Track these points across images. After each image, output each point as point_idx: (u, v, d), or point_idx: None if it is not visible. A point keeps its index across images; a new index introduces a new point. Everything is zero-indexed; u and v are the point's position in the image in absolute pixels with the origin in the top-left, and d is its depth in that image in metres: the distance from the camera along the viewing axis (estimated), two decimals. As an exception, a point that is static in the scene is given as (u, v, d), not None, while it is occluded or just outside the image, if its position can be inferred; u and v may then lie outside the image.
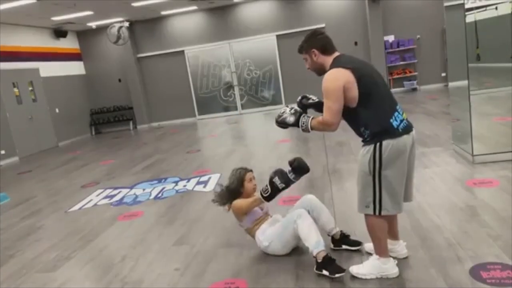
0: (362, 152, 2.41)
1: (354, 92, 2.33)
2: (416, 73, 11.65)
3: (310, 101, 2.73)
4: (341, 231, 2.94)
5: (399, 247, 2.69)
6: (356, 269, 2.56)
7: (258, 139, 8.34)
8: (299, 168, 2.73)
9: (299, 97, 2.78)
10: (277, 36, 12.04)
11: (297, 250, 2.98)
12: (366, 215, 2.48)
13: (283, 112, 2.64)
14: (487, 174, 4.07)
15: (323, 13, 11.69)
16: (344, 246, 2.92)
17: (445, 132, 5.33)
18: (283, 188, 2.74)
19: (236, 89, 12.64)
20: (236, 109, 12.77)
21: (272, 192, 2.75)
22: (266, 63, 12.32)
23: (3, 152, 9.24)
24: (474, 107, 4.38)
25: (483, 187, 3.78)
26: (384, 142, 2.32)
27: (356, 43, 11.68)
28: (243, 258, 3.06)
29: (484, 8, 4.58)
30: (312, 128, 2.52)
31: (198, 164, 6.56)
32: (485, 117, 4.96)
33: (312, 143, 6.85)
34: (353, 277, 2.55)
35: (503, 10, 4.65)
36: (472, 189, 3.78)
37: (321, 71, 2.53)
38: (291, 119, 2.59)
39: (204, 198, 4.71)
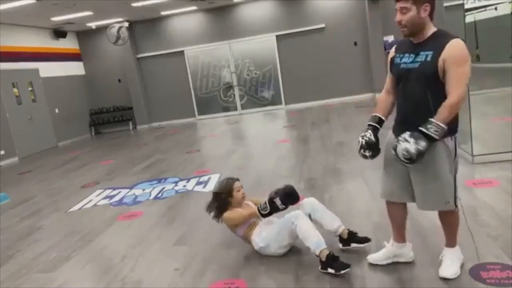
0: (442, 147, 2.21)
1: None
2: (416, 73, 11.62)
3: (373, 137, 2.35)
4: (347, 229, 2.91)
5: (407, 250, 2.61)
6: (449, 272, 2.40)
7: (258, 139, 8.34)
8: (288, 195, 2.86)
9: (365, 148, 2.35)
10: (277, 36, 12.02)
11: (297, 250, 2.98)
12: (445, 214, 2.39)
13: (406, 150, 2.11)
14: (486, 174, 4.07)
15: (323, 13, 11.68)
16: (353, 245, 2.87)
17: (445, 132, 5.33)
18: (283, 209, 2.82)
19: (236, 89, 12.64)
20: (236, 109, 12.77)
21: (271, 211, 2.83)
22: (266, 63, 12.32)
23: (3, 152, 9.24)
24: (474, 107, 4.39)
25: (483, 187, 3.78)
26: (456, 135, 2.27)
27: (355, 43, 11.68)
28: (243, 258, 3.06)
29: (483, 8, 4.58)
30: (445, 124, 2.10)
31: (198, 164, 6.56)
32: (485, 117, 4.96)
33: (312, 143, 6.86)
34: (355, 277, 2.54)
35: (503, 10, 4.65)
36: (472, 189, 3.78)
37: (416, 31, 2.18)
38: (423, 144, 2.09)
39: (204, 198, 4.70)
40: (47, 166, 8.36)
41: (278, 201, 2.79)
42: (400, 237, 2.61)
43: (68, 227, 4.39)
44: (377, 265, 2.65)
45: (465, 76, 2.12)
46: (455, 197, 2.32)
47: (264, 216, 2.88)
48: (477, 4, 4.37)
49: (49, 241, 4.03)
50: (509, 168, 4.08)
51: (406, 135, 2.13)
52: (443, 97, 2.15)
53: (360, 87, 11.64)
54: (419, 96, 2.23)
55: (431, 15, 2.18)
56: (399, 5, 2.15)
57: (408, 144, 2.10)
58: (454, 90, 2.11)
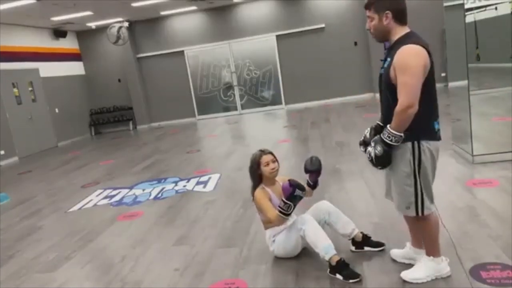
0: (399, 152, 2.25)
1: (424, 77, 2.14)
2: (416, 73, 11.62)
3: (368, 134, 2.44)
4: (361, 232, 2.86)
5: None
6: (410, 274, 2.43)
7: (258, 139, 8.33)
8: (310, 166, 2.77)
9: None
10: (277, 36, 12.03)
11: (297, 250, 2.98)
12: (412, 219, 2.39)
13: (369, 153, 2.29)
14: (487, 174, 4.07)
15: (323, 13, 11.69)
16: (366, 248, 2.83)
17: (445, 132, 5.33)
18: (304, 195, 2.65)
19: (236, 89, 12.64)
20: (236, 109, 12.77)
21: (295, 205, 2.65)
22: (266, 63, 12.32)
23: (3, 152, 9.24)
24: (474, 107, 4.38)
25: (483, 187, 3.78)
26: (423, 142, 2.22)
27: (356, 43, 11.68)
28: (243, 258, 3.06)
29: (484, 8, 4.58)
30: (397, 130, 2.16)
31: (198, 164, 6.56)
32: (485, 117, 4.96)
33: (312, 143, 6.86)
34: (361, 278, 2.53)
35: (503, 10, 4.65)
36: (472, 189, 3.78)
37: (383, 37, 2.28)
38: (379, 149, 2.22)
39: (204, 198, 4.71)
40: (47, 166, 8.36)
41: (298, 192, 2.58)
42: (415, 242, 2.57)
43: (68, 227, 4.39)
44: (378, 265, 2.65)
45: (406, 83, 2.10)
46: (419, 205, 2.28)
47: (289, 215, 2.69)
48: (477, 4, 4.37)
49: (49, 241, 4.03)
50: (509, 168, 4.08)
51: (373, 139, 2.29)
52: None
53: (360, 87, 11.64)
54: (385, 101, 2.31)
55: (399, 20, 2.22)
56: (366, 14, 2.30)
57: (371, 148, 2.28)
58: (399, 97, 2.13)
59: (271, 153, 2.91)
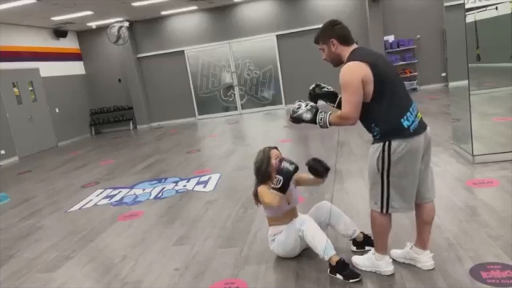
0: (372, 150, 2.38)
1: (370, 87, 2.26)
2: (416, 73, 11.64)
3: (324, 89, 2.63)
4: (362, 232, 2.87)
5: (425, 258, 2.54)
6: (356, 259, 2.66)
7: (258, 139, 8.33)
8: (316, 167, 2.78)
9: (312, 85, 2.66)
10: (277, 36, 12.03)
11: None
12: (372, 210, 2.47)
13: (298, 108, 2.52)
14: (487, 174, 4.07)
15: (323, 13, 11.67)
16: (367, 248, 2.83)
17: (445, 132, 5.34)
18: (295, 169, 2.60)
19: (236, 89, 12.64)
20: (236, 109, 12.77)
21: (285, 180, 2.60)
22: (266, 63, 12.32)
23: (3, 152, 9.24)
24: (474, 107, 4.38)
25: (483, 187, 3.78)
26: (393, 142, 2.27)
27: (356, 43, 11.65)
28: (243, 258, 3.06)
29: (484, 8, 4.58)
30: (330, 124, 2.43)
31: (198, 164, 6.56)
32: (485, 117, 4.97)
33: (312, 143, 6.86)
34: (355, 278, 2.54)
35: (503, 10, 4.65)
36: (472, 189, 3.78)
37: (338, 61, 2.46)
38: (307, 115, 2.48)
39: (204, 198, 4.72)
40: (47, 166, 8.36)
41: (285, 164, 2.60)
42: (420, 242, 2.57)
43: (68, 227, 4.39)
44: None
45: (345, 100, 2.30)
46: (384, 203, 2.38)
47: (281, 190, 2.61)
48: (478, 4, 4.36)
49: (49, 241, 4.03)
50: (509, 168, 4.08)
51: (310, 103, 2.53)
52: (365, 112, 2.32)
53: (360, 87, 11.63)
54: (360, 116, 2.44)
55: (344, 43, 2.43)
56: (318, 48, 2.51)
57: (303, 106, 2.52)
58: (343, 108, 2.33)
59: (276, 148, 2.97)
